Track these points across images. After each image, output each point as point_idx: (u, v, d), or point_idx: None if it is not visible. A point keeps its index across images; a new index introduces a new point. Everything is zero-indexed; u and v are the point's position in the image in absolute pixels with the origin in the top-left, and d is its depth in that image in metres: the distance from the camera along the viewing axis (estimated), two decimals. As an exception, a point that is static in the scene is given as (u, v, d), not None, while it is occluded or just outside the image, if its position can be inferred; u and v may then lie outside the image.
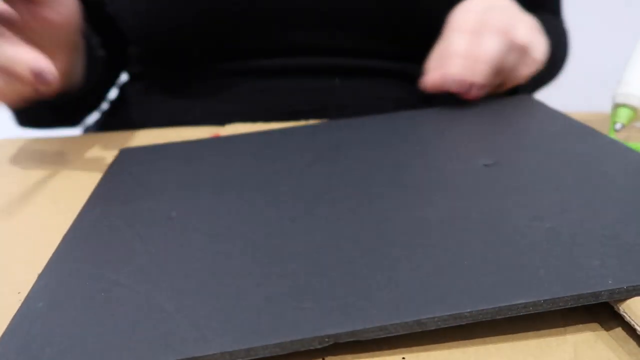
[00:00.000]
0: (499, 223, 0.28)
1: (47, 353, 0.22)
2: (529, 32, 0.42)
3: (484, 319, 0.22)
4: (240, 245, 0.29)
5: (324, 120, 0.47)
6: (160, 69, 0.56)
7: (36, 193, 0.39)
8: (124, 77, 0.61)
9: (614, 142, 0.36)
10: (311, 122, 0.48)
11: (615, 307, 0.23)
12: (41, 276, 0.28)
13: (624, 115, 0.41)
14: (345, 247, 0.28)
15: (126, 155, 0.42)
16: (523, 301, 0.22)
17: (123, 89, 0.60)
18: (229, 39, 0.50)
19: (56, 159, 0.44)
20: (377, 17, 0.49)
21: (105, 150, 0.46)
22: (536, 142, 0.38)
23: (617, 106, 0.42)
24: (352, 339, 0.22)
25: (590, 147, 0.36)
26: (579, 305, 0.23)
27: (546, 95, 0.60)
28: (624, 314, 0.23)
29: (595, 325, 0.24)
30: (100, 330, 0.23)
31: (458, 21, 0.43)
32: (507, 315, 0.22)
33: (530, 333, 0.23)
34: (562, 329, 0.24)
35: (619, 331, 0.24)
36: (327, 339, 0.22)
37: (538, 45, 0.44)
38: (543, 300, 0.22)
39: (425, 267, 0.25)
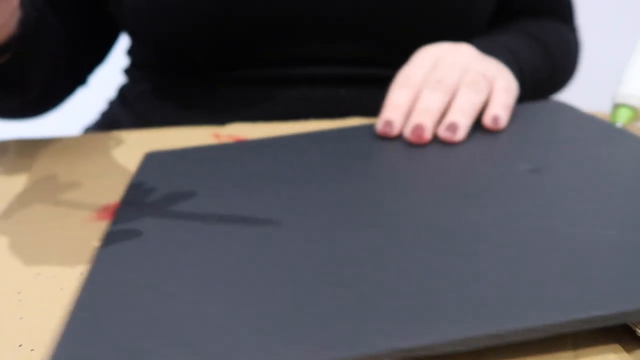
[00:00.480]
0: (559, 230, 0.27)
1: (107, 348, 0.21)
2: (473, 80, 0.42)
3: (560, 333, 0.21)
4: (289, 253, 0.27)
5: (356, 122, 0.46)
6: (161, 75, 0.55)
7: (36, 193, 0.39)
8: (123, 79, 0.61)
9: None
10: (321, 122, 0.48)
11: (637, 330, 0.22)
12: (84, 287, 0.26)
13: (624, 115, 0.41)
14: (399, 255, 0.26)
15: (153, 160, 0.40)
16: (600, 314, 0.21)
17: (122, 90, 0.60)
18: (232, 48, 0.50)
19: (56, 159, 0.44)
20: (383, 27, 0.49)
21: (105, 150, 0.46)
22: (573, 146, 0.37)
23: (617, 106, 0.42)
24: (427, 354, 0.20)
25: (629, 149, 0.35)
26: None
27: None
28: None
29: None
30: (155, 344, 0.22)
31: (402, 77, 0.43)
32: (585, 329, 0.21)
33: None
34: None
35: (620, 333, 0.24)
36: (400, 354, 0.20)
37: (500, 85, 0.43)
38: (625, 311, 0.21)
39: (490, 276, 0.24)
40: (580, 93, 0.67)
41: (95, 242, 0.31)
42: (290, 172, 0.36)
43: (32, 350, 0.23)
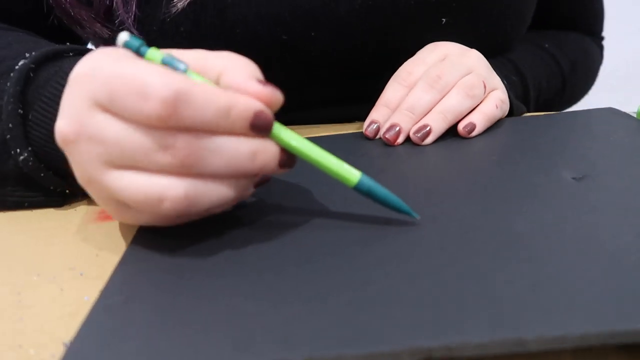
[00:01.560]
0: (599, 239, 0.26)
1: (125, 348, 0.22)
2: (470, 82, 0.41)
3: (593, 344, 0.20)
4: (318, 248, 0.27)
5: None
6: None
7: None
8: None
9: None
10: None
11: None
12: (117, 268, 0.27)
13: None
14: (433, 255, 0.26)
15: None
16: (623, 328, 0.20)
17: None
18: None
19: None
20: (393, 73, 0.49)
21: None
22: (625, 153, 0.36)
23: None
24: (446, 355, 0.20)
25: None
26: None
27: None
28: None
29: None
30: (178, 327, 0.22)
31: (403, 72, 0.43)
32: (622, 342, 0.20)
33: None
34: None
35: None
36: (419, 353, 0.20)
37: (497, 95, 0.43)
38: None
39: (522, 281, 0.23)
40: (601, 92, 0.67)
41: (95, 243, 0.32)
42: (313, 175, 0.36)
43: (32, 351, 0.24)
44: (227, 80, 0.27)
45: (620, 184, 0.32)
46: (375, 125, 0.42)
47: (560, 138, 0.40)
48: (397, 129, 0.40)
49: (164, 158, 0.25)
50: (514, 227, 0.28)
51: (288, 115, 0.51)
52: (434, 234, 0.28)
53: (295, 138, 0.27)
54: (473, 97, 0.41)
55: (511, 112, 0.47)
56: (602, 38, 0.65)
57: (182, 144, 0.25)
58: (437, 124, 0.40)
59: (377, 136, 0.42)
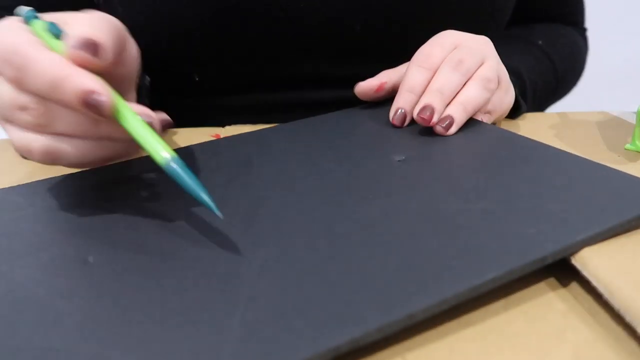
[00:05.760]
0: (437, 210, 0.29)
1: None
2: (487, 75, 0.41)
3: (464, 299, 0.23)
4: (188, 263, 0.26)
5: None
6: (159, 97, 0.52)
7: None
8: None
9: (522, 139, 0.38)
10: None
11: (572, 263, 0.26)
12: None
13: None
14: (291, 256, 0.26)
15: None
16: (491, 276, 0.24)
17: None
18: (229, 65, 0.49)
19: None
20: (392, 46, 0.48)
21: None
22: (445, 140, 0.39)
23: None
24: (353, 348, 0.21)
25: (499, 143, 0.38)
26: (533, 270, 0.25)
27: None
28: (579, 268, 0.26)
29: (594, 325, 0.24)
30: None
31: (421, 55, 0.42)
32: (481, 292, 0.24)
33: (531, 333, 0.24)
34: (562, 329, 0.24)
35: (619, 331, 0.24)
36: (328, 354, 0.20)
37: (503, 84, 0.43)
38: (504, 272, 0.24)
39: (389, 264, 0.25)
40: (580, 92, 0.67)
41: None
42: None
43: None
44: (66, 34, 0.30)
45: (438, 164, 0.35)
46: (402, 110, 0.41)
47: (389, 126, 0.42)
48: (432, 109, 0.39)
49: (24, 116, 0.29)
50: (358, 215, 0.29)
51: (279, 94, 0.51)
52: (282, 234, 0.28)
53: (127, 116, 0.29)
54: (490, 90, 0.41)
55: (517, 110, 0.47)
56: (584, 29, 0.65)
57: (34, 105, 0.29)
58: (459, 115, 0.40)
59: (405, 123, 0.42)
